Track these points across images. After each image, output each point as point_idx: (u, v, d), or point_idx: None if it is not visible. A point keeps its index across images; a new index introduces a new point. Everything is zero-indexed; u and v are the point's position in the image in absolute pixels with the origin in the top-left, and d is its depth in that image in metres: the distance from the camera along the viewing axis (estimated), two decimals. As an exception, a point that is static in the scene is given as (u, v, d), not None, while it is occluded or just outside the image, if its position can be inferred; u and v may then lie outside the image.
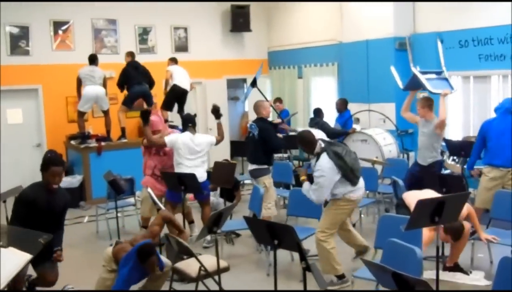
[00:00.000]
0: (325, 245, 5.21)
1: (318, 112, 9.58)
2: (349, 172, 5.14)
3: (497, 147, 6.39)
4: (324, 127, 8.56)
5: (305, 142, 5.37)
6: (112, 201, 6.87)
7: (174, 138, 6.70)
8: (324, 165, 5.11)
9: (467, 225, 5.34)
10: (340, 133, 9.13)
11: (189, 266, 4.94)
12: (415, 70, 6.91)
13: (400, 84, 7.37)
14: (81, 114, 9.62)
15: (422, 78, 6.80)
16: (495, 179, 6.38)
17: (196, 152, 6.69)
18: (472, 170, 6.77)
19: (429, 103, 6.69)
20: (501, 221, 5.89)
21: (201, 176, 6.57)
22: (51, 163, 4.80)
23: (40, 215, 4.75)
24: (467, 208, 5.26)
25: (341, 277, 5.27)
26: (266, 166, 6.88)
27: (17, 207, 4.83)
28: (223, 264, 5.03)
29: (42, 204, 4.78)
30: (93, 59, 9.57)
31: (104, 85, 9.65)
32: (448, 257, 5.59)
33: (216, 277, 4.79)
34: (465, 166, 7.67)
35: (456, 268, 5.53)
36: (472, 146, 6.86)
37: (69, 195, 5.28)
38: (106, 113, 9.80)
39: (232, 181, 7.39)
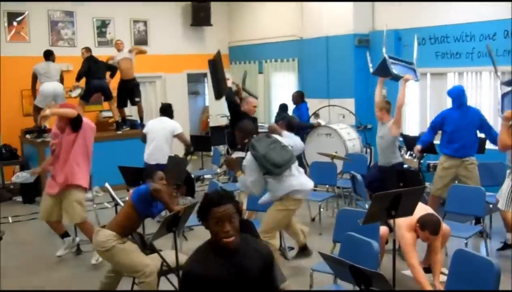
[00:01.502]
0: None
1: (284, 107, 9.66)
2: (262, 159, 4.93)
3: (452, 137, 6.57)
4: (291, 121, 8.66)
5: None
6: (69, 196, 6.71)
7: None
8: (247, 156, 5.09)
9: (446, 227, 5.30)
10: (306, 127, 9.24)
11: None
12: (386, 55, 6.92)
13: (371, 68, 7.38)
14: (37, 109, 9.41)
15: (389, 62, 6.84)
16: (449, 168, 6.59)
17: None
18: (420, 146, 6.90)
19: (387, 106, 6.71)
20: (456, 214, 6.05)
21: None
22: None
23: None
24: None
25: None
26: None
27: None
28: (185, 259, 4.99)
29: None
30: (48, 55, 9.37)
31: (61, 80, 9.47)
32: (424, 257, 5.48)
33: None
34: (422, 161, 7.85)
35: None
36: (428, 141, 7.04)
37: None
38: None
39: (182, 177, 7.36)
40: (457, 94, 6.60)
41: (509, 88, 5.59)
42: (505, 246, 5.97)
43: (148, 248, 4.86)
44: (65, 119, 5.85)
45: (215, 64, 7.86)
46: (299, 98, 9.84)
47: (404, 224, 4.74)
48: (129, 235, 4.73)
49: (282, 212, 5.18)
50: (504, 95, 5.49)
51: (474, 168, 6.54)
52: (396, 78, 6.81)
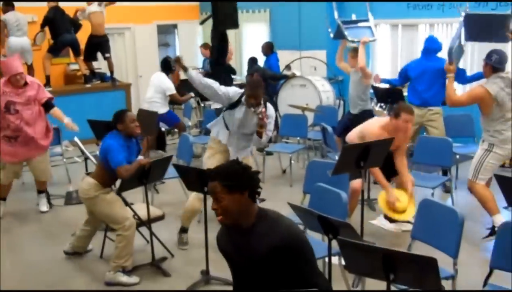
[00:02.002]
0: None
1: (254, 60, 9.59)
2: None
3: (416, 84, 6.67)
4: (264, 73, 8.65)
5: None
6: (38, 151, 6.62)
7: None
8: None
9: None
10: (280, 78, 9.23)
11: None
12: (338, 21, 7.02)
13: (331, 34, 7.44)
14: None
15: (343, 28, 6.93)
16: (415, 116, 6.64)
17: None
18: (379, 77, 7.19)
19: (357, 54, 6.77)
20: (423, 164, 6.16)
21: None
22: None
23: None
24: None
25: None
26: None
27: None
28: (157, 212, 5.02)
29: None
30: (10, 3, 8.99)
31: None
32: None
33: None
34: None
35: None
36: (398, 93, 7.19)
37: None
38: (30, 66, 9.28)
39: (154, 130, 7.34)
40: (426, 42, 6.72)
41: (456, 41, 5.59)
42: (492, 233, 5.19)
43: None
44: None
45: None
46: (268, 49, 9.75)
47: (373, 130, 5.00)
48: (111, 185, 4.70)
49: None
50: (451, 49, 5.44)
51: (438, 117, 6.63)
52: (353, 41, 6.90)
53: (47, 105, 6.11)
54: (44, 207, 6.37)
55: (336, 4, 7.47)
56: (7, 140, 5.91)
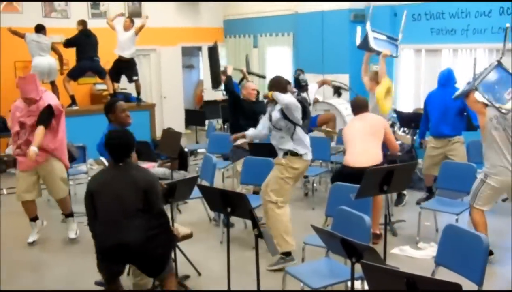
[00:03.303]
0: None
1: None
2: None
3: (436, 118, 6.68)
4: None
5: (276, 83, 5.20)
6: (64, 169, 6.73)
7: None
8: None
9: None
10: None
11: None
12: (368, 28, 6.92)
13: (358, 41, 7.36)
14: None
15: (371, 35, 6.82)
16: (436, 147, 6.73)
17: None
18: (423, 139, 7.09)
19: (376, 77, 6.74)
20: (447, 190, 6.12)
21: None
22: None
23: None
24: None
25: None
26: None
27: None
28: (186, 230, 5.03)
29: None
30: (40, 29, 9.24)
31: (55, 51, 9.37)
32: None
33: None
34: (415, 137, 7.89)
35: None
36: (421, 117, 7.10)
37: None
38: (53, 83, 9.52)
39: (177, 150, 7.40)
40: (441, 74, 6.74)
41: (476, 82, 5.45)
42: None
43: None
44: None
45: (211, 54, 7.81)
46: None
47: None
48: None
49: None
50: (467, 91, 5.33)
51: (459, 146, 6.63)
52: (378, 53, 6.85)
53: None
54: (72, 233, 6.13)
55: (361, 28, 7.44)
56: (21, 151, 5.85)
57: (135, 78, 9.91)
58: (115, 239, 3.70)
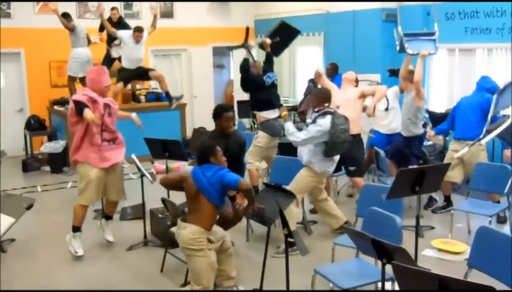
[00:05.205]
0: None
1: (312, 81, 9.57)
2: (329, 143, 5.36)
3: (461, 122, 6.47)
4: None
5: (321, 95, 5.56)
6: (96, 166, 6.82)
7: None
8: (326, 123, 5.34)
9: None
10: None
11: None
12: (401, 33, 6.73)
13: (398, 46, 7.26)
14: (71, 78, 9.45)
15: (404, 39, 6.67)
16: (457, 151, 6.38)
17: None
18: (432, 133, 6.91)
19: (409, 76, 6.65)
20: (480, 191, 6.01)
21: None
22: (223, 109, 5.30)
23: None
24: None
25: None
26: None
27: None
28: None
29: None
30: (69, 15, 9.30)
31: (89, 42, 9.49)
32: None
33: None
34: (447, 137, 7.77)
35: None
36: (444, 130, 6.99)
37: (243, 137, 5.59)
38: (82, 79, 9.27)
39: None
40: (482, 80, 6.54)
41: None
42: None
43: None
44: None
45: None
46: (333, 71, 9.70)
47: None
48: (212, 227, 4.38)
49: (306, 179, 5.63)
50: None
51: (479, 151, 6.30)
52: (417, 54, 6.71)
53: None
54: (110, 236, 5.94)
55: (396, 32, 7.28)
56: (108, 144, 5.59)
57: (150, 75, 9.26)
58: None
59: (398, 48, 6.99)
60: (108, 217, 5.98)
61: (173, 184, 4.58)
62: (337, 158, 5.64)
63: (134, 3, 11.48)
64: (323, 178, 5.80)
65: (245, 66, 6.77)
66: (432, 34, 6.79)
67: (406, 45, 6.65)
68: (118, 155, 5.70)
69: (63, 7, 10.54)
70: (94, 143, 5.48)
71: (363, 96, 6.62)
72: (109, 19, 9.27)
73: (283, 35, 7.34)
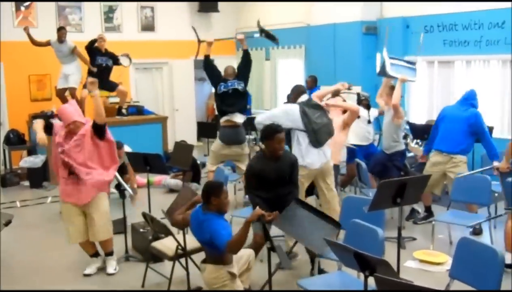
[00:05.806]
0: None
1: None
2: (311, 131, 5.49)
3: (445, 133, 6.43)
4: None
5: (297, 89, 5.95)
6: (76, 181, 6.75)
7: None
8: (285, 106, 5.57)
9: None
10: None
11: (165, 245, 4.98)
12: (385, 53, 6.88)
13: (378, 68, 7.35)
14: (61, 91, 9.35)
15: (388, 61, 6.80)
16: (436, 164, 6.41)
17: None
18: (425, 155, 6.81)
19: (390, 92, 6.67)
20: (461, 203, 6.05)
21: None
22: (274, 131, 4.81)
23: (269, 182, 4.86)
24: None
25: None
26: None
27: (248, 178, 5.08)
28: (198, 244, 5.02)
29: (270, 173, 4.84)
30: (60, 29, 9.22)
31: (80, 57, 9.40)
32: None
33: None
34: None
35: None
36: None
37: (294, 156, 5.22)
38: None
39: (189, 162, 7.42)
40: (467, 93, 6.49)
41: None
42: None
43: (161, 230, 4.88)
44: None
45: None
46: (313, 83, 9.80)
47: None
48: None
49: None
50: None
51: (461, 166, 6.29)
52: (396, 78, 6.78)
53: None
54: (111, 269, 5.46)
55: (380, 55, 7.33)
56: (67, 179, 5.17)
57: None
58: None
59: (378, 70, 7.05)
60: (107, 254, 5.51)
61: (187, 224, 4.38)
62: (320, 151, 5.53)
63: (115, 16, 11.43)
64: (310, 173, 5.56)
65: (205, 64, 7.49)
66: (414, 63, 6.96)
67: (389, 67, 6.74)
68: (83, 194, 5.13)
69: (43, 20, 10.50)
70: (61, 174, 5.21)
71: (346, 125, 6.38)
72: (97, 48, 9.25)
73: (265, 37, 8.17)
